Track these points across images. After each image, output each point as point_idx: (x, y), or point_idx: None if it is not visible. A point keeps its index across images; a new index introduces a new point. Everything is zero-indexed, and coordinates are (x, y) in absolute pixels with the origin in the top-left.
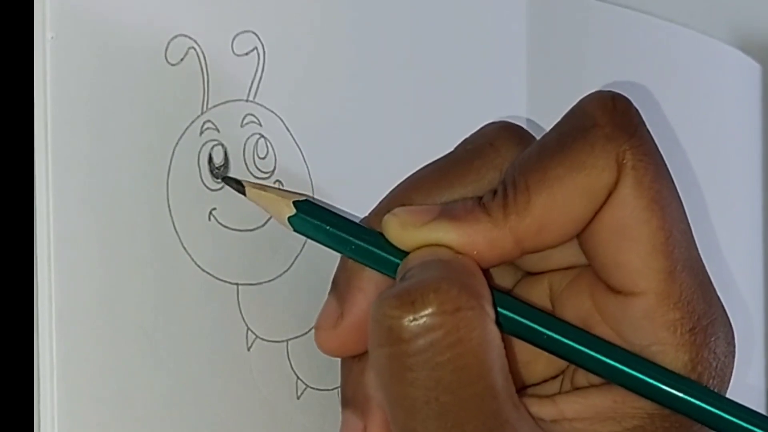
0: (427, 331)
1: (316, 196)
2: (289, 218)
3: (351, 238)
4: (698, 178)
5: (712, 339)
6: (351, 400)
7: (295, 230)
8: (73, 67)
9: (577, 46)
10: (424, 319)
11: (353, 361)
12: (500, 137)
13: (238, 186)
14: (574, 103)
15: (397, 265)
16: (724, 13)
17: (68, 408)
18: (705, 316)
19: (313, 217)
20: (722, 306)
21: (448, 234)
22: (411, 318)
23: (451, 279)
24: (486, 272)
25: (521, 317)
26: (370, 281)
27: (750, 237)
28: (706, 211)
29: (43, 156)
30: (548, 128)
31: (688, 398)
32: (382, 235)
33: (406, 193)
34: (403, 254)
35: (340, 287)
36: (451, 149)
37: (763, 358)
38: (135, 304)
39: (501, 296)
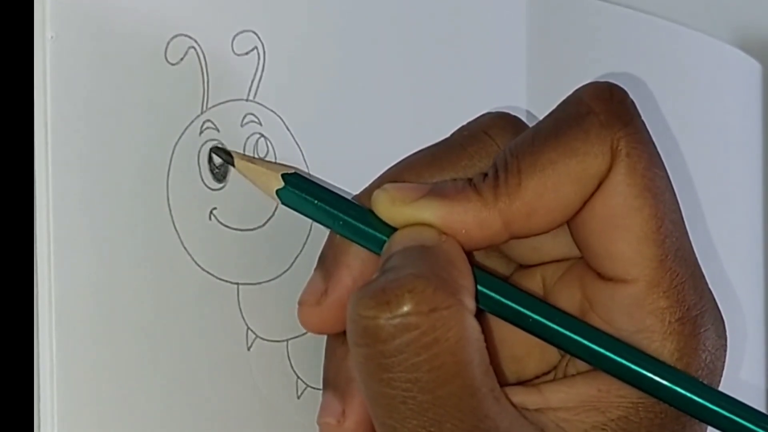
0: (403, 331)
1: None
2: (277, 191)
3: (339, 213)
4: (698, 178)
5: (702, 330)
6: (332, 382)
7: (282, 203)
8: (73, 67)
9: (576, 46)
10: (399, 319)
11: (337, 344)
12: (495, 126)
13: (227, 157)
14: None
15: (384, 242)
16: (724, 13)
17: (68, 408)
18: (695, 306)
19: (302, 191)
20: (714, 299)
21: (437, 211)
22: (386, 317)
23: (427, 277)
24: (471, 255)
25: (506, 299)
26: (356, 258)
27: (750, 236)
28: (706, 210)
29: (43, 156)
30: None
31: (672, 386)
32: (371, 211)
33: (398, 173)
34: (391, 231)
35: (326, 263)
36: (448, 135)
37: (763, 356)
38: (135, 303)
39: (487, 278)
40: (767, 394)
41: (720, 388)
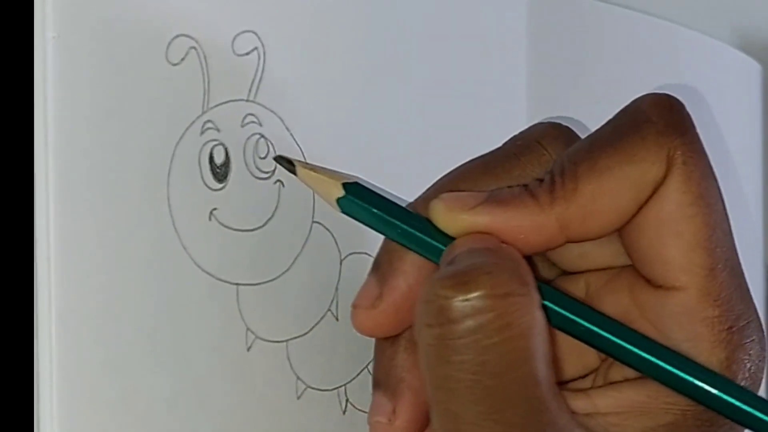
0: (477, 313)
1: (315, 196)
2: (337, 199)
3: (398, 222)
4: None
5: (748, 341)
6: (382, 381)
7: (342, 211)
8: (74, 66)
9: (577, 46)
10: (475, 300)
11: (387, 344)
12: (548, 135)
13: (289, 165)
14: (629, 102)
15: (442, 251)
16: (724, 13)
17: (68, 408)
18: (742, 317)
19: (362, 200)
20: (756, 310)
21: (494, 217)
22: (462, 299)
23: (502, 264)
24: (529, 263)
25: (561, 308)
26: (413, 265)
27: (750, 237)
28: None
29: (43, 156)
30: None
31: (723, 395)
32: (428, 220)
33: (453, 182)
34: (448, 240)
35: (382, 268)
36: (501, 144)
37: None
38: (135, 304)
39: (542, 286)
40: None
41: None
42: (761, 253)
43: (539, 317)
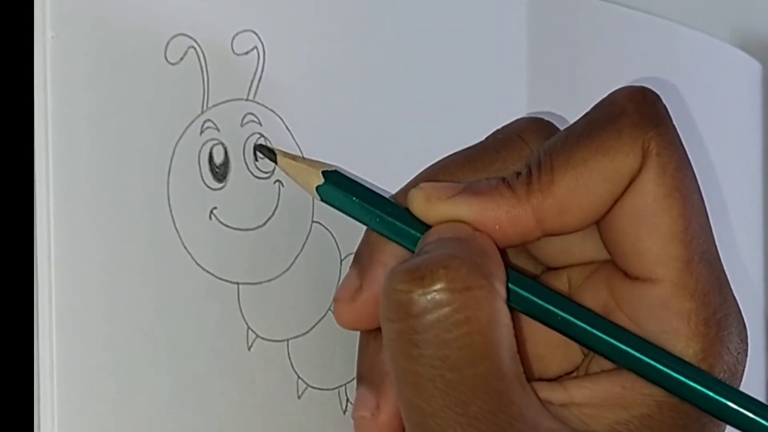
0: (436, 307)
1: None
2: (317, 187)
3: (376, 210)
4: (698, 178)
5: (725, 333)
6: (366, 376)
7: (322, 200)
8: (73, 67)
9: (576, 46)
10: (433, 294)
11: (370, 338)
12: (529, 129)
13: (270, 154)
14: (605, 95)
15: (419, 239)
16: (724, 13)
17: (68, 408)
18: (719, 309)
19: (341, 188)
20: (737, 304)
21: (471, 208)
22: (420, 293)
23: (462, 257)
24: (503, 253)
25: (536, 297)
26: (391, 255)
27: (750, 237)
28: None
29: (43, 156)
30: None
31: (697, 386)
32: (407, 210)
33: (434, 174)
34: (426, 229)
35: (361, 260)
36: (482, 139)
37: (763, 354)
38: (135, 303)
39: (517, 276)
40: (767, 392)
41: None
42: (761, 252)
43: (501, 309)
